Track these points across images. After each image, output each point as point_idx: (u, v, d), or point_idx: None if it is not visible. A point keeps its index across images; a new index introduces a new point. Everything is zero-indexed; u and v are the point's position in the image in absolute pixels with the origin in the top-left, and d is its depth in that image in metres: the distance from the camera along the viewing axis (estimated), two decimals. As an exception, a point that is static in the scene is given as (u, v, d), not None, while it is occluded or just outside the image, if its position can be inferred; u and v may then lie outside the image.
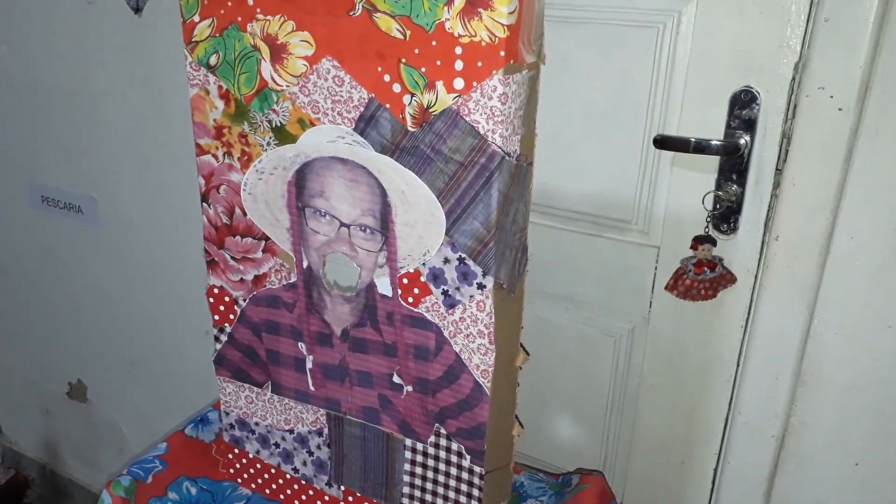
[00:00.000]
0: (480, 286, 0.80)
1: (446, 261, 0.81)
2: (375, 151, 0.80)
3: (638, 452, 1.30)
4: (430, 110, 0.75)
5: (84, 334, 1.91)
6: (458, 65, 0.72)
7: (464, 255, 0.80)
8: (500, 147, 0.73)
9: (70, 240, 1.81)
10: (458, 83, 0.73)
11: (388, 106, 0.77)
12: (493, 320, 0.81)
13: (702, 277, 1.12)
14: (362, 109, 0.79)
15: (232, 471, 1.07)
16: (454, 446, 0.89)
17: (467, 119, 0.74)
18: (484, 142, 0.74)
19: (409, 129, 0.77)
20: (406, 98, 0.76)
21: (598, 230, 1.21)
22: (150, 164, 1.58)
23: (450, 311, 0.83)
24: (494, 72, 0.71)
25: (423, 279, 0.84)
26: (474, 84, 0.72)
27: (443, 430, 0.89)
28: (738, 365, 1.17)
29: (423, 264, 0.83)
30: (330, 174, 0.84)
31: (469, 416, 0.86)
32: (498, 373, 0.84)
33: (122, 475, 1.00)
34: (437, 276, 0.83)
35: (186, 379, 1.77)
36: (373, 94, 0.78)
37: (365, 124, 0.80)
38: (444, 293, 0.83)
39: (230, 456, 1.07)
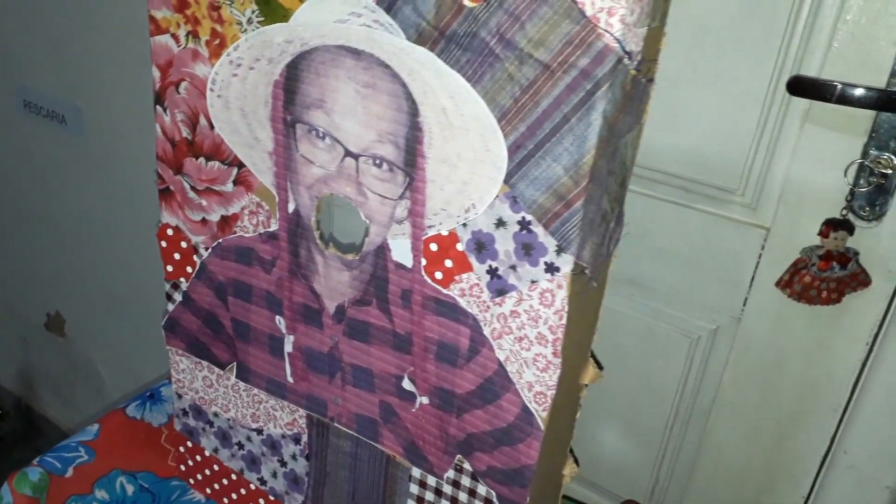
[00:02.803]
0: (551, 268, 0.50)
1: (500, 223, 0.51)
2: (407, 40, 0.49)
3: (700, 481, 1.01)
4: (504, -27, 0.44)
5: (64, 261, 1.65)
6: None
7: (529, 218, 0.49)
8: (617, 41, 0.42)
9: (52, 153, 1.54)
10: (557, -74, 0.42)
11: (433, -35, 0.47)
12: (562, 322, 0.50)
13: (827, 275, 0.81)
14: (392, -31, 0.48)
15: (183, 467, 0.79)
16: (481, 490, 0.60)
17: (565, -10, 0.42)
18: (591, 30, 0.43)
19: (467, 2, 0.46)
20: (465, -49, 0.45)
21: (687, 199, 0.90)
22: (144, 71, 1.27)
23: (496, 300, 0.53)
24: None
25: (460, 247, 0.53)
26: (586, -73, 0.41)
27: (467, 466, 0.60)
28: (853, 392, 0.87)
29: (464, 225, 0.52)
30: (335, 74, 0.53)
31: (509, 454, 0.57)
32: (559, 396, 0.54)
33: (30, 466, 0.72)
34: (482, 246, 0.52)
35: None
36: (411, -56, 0.47)
37: (394, -6, 0.49)
38: (492, 272, 0.53)
39: (181, 449, 0.79)
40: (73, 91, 1.43)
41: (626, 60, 0.43)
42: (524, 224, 0.49)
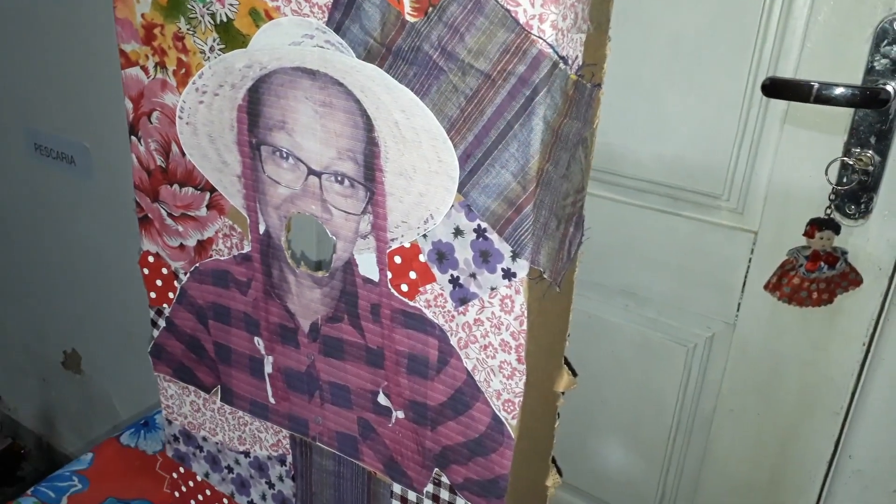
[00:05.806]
0: (508, 274, 0.50)
1: (458, 232, 0.51)
2: (357, 58, 0.50)
3: (707, 491, 0.99)
4: (441, -13, 0.45)
5: (79, 299, 1.68)
6: None
7: (485, 225, 0.50)
8: (550, 47, 0.43)
9: (63, 193, 1.58)
10: (487, -62, 0.43)
11: (376, -17, 0.48)
12: (524, 327, 0.51)
13: (816, 276, 0.80)
14: (338, -10, 0.49)
15: (177, 494, 0.80)
16: (459, 503, 0.60)
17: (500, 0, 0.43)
18: (525, 37, 0.43)
19: (409, 17, 0.47)
20: (403, -32, 0.46)
21: (674, 206, 0.90)
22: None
23: (460, 309, 0.53)
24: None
25: (422, 258, 0.54)
26: (513, -63, 0.42)
27: (444, 479, 0.60)
28: (853, 394, 0.85)
29: (424, 236, 0.53)
30: (293, 95, 0.55)
31: (483, 464, 0.57)
32: (529, 403, 0.54)
33: (24, 496, 0.73)
34: (442, 256, 0.53)
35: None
36: (354, -35, 0.48)
37: (342, 14, 0.50)
38: (454, 281, 0.53)
39: (174, 475, 0.79)
40: (81, 132, 1.47)
41: (561, 65, 0.44)
42: (480, 231, 0.50)
